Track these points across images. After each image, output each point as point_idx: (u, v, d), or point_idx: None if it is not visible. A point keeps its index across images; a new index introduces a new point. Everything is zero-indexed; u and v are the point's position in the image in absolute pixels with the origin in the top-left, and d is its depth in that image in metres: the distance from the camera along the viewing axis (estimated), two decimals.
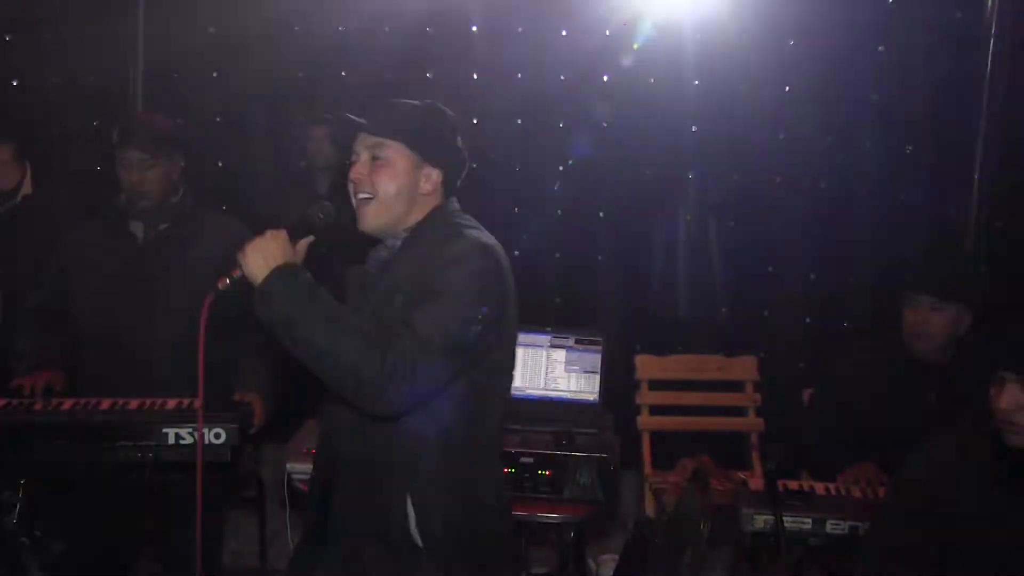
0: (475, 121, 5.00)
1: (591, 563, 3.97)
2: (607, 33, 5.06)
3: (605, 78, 5.09)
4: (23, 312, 3.11)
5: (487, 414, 2.20)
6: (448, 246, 2.08)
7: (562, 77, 5.12)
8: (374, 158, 2.15)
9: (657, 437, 4.35)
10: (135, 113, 3.30)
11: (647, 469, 4.23)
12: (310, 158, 4.97)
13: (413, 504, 2.10)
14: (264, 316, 1.96)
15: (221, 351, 2.98)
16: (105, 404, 2.78)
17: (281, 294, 1.94)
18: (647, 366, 4.45)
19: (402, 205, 2.17)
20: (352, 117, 2.20)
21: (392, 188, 2.15)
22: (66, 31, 5.23)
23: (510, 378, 2.27)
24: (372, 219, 2.18)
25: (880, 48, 4.90)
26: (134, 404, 2.78)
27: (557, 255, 5.23)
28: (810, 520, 2.60)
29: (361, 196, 2.17)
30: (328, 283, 2.05)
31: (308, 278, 1.99)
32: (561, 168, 5.21)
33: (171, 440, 2.62)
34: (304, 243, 2.12)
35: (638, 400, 4.39)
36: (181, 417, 2.68)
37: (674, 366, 4.50)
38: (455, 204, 2.26)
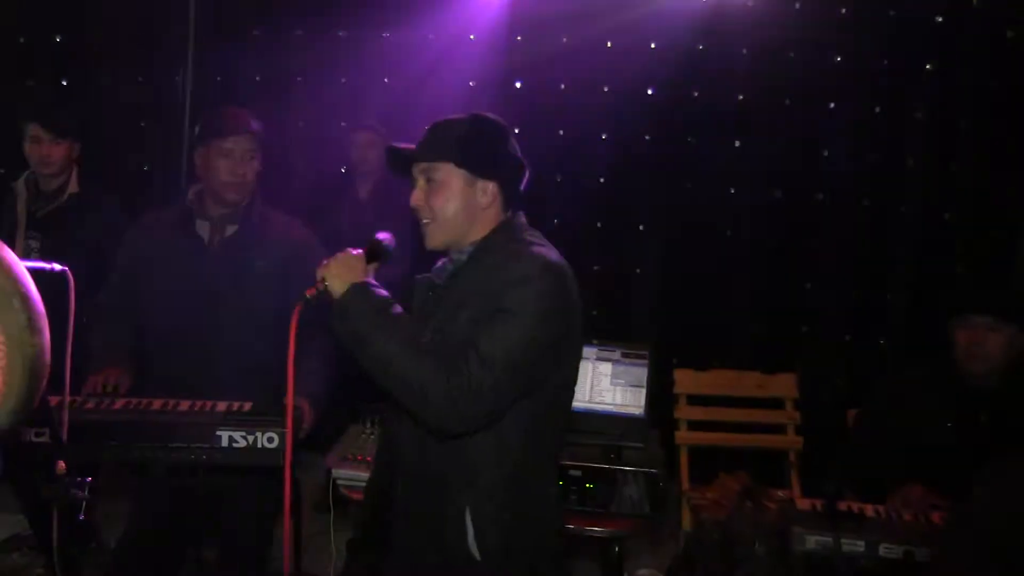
0: (516, 131, 5.01)
1: None
2: (652, 47, 5.06)
3: (649, 91, 5.10)
4: (90, 309, 3.08)
5: (548, 429, 2.20)
6: (513, 264, 2.09)
7: (605, 89, 5.14)
8: (428, 181, 2.19)
9: (694, 452, 4.33)
10: (230, 107, 3.21)
11: (684, 484, 4.20)
12: (352, 164, 4.99)
13: (472, 518, 2.10)
14: (339, 329, 2.06)
15: (275, 352, 3.03)
16: (156, 405, 2.78)
17: (357, 310, 2.05)
18: (686, 380, 4.43)
19: (463, 222, 2.19)
20: (398, 146, 2.25)
21: (449, 209, 2.17)
22: (116, 33, 5.31)
23: (572, 393, 2.26)
24: (436, 239, 2.22)
25: (927, 66, 4.88)
26: (184, 405, 2.78)
27: (596, 267, 5.23)
28: (863, 543, 2.56)
29: (423, 221, 2.21)
30: (400, 291, 2.08)
31: (383, 296, 2.09)
32: (602, 180, 5.22)
33: (224, 443, 2.61)
34: (371, 268, 2.20)
35: (676, 414, 4.37)
36: (233, 420, 2.67)
37: (713, 381, 4.48)
38: (522, 218, 2.27)
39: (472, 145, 2.18)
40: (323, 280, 2.12)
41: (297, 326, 2.13)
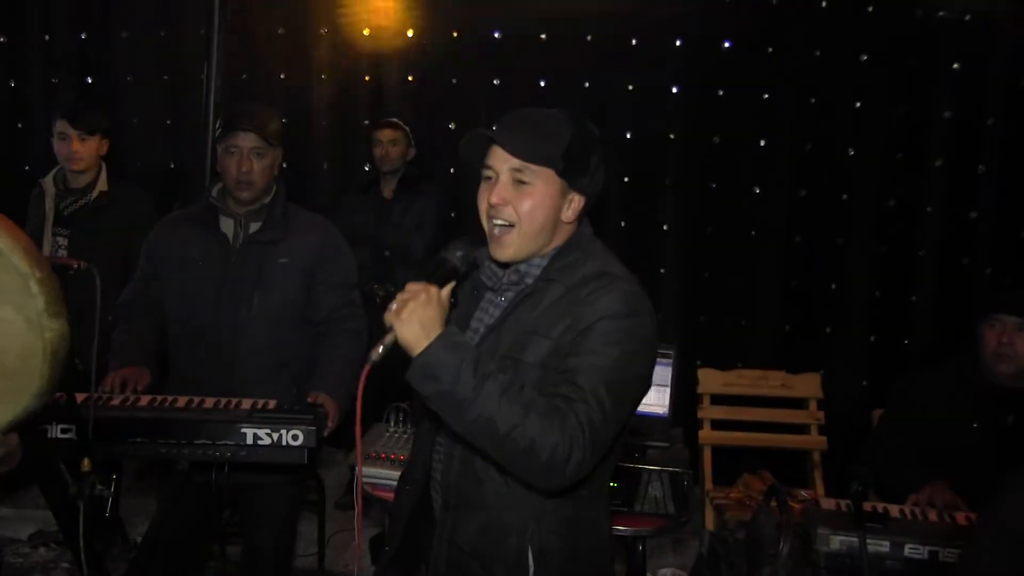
0: None
1: None
2: (677, 44, 5.05)
3: (674, 90, 5.08)
4: (114, 307, 3.11)
5: (612, 456, 2.02)
6: (598, 294, 1.89)
7: (629, 87, 5.12)
8: (518, 182, 1.93)
9: (717, 451, 4.32)
10: (244, 102, 3.21)
11: (708, 484, 4.19)
12: (376, 161, 4.99)
13: (534, 558, 1.94)
14: (424, 389, 1.78)
15: (299, 350, 3.05)
16: (181, 402, 2.79)
17: (449, 371, 1.76)
18: (709, 380, 4.42)
19: (546, 235, 1.96)
20: (491, 135, 1.95)
21: (539, 218, 1.93)
22: (140, 31, 5.35)
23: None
24: (512, 249, 1.96)
25: (955, 66, 4.84)
26: (210, 403, 2.79)
27: None
28: (888, 543, 2.54)
29: (499, 222, 1.95)
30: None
31: (471, 346, 1.84)
32: (626, 180, 5.20)
33: (249, 440, 2.61)
34: (447, 290, 1.93)
35: (700, 414, 4.36)
36: (258, 417, 2.67)
37: (736, 381, 4.46)
38: (589, 228, 2.06)
39: (578, 156, 1.94)
40: (390, 331, 1.82)
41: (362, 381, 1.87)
